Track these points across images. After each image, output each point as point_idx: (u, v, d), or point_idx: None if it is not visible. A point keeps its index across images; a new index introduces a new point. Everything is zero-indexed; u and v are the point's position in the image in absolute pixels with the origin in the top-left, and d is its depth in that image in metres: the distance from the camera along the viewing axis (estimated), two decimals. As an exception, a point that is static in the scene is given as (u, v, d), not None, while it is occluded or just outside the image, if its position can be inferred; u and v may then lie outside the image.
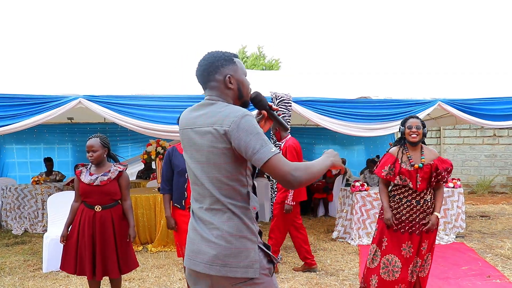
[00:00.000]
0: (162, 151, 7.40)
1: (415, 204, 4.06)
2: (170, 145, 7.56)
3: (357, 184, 7.39)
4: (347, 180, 9.70)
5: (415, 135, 4.07)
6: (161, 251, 6.55)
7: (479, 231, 7.98)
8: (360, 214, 7.18)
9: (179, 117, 2.38)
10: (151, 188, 7.60)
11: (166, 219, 4.30)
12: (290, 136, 5.45)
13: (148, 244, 6.82)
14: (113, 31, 40.18)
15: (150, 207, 6.75)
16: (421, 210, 4.05)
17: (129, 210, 4.13)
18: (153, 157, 7.45)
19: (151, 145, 7.49)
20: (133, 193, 6.95)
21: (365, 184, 7.38)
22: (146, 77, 7.77)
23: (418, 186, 4.03)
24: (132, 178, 10.59)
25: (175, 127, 6.05)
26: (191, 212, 2.18)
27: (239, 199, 2.05)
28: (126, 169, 4.14)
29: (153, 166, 9.36)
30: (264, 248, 2.08)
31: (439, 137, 14.31)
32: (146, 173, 10.18)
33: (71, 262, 3.99)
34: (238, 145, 1.96)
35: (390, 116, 6.73)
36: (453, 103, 7.03)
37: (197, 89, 6.50)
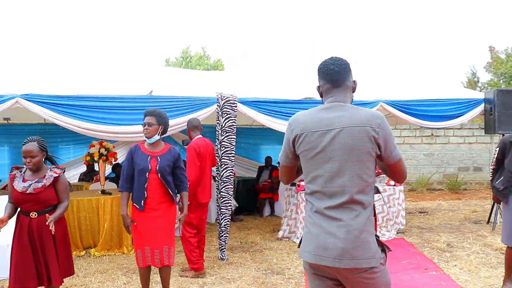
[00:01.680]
0: (105, 152, 7.22)
1: None
2: (114, 146, 7.42)
3: (302, 183, 7.50)
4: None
5: None
6: (105, 255, 6.39)
7: (418, 227, 8.31)
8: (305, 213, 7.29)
9: (292, 119, 2.39)
10: (94, 191, 7.40)
11: (122, 217, 4.23)
12: (199, 136, 5.47)
13: (91, 248, 6.63)
14: (53, 27, 38.78)
15: (93, 210, 6.56)
16: None
17: (61, 208, 3.82)
18: (96, 158, 7.25)
19: (94, 146, 7.29)
20: (75, 196, 6.76)
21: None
22: (89, 76, 7.56)
23: None
24: (74, 180, 10.28)
25: (119, 128, 5.94)
26: (312, 212, 2.26)
27: (370, 195, 2.22)
28: (63, 173, 3.94)
29: (96, 168, 9.13)
30: (378, 238, 2.25)
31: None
32: (89, 175, 9.91)
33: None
34: (384, 143, 2.18)
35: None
36: (394, 104, 7.30)
37: (141, 90, 6.42)
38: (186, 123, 5.71)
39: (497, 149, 4.85)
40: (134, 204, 4.20)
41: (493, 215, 8.03)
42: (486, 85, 25.13)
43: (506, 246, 4.76)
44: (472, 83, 26.46)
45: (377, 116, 2.19)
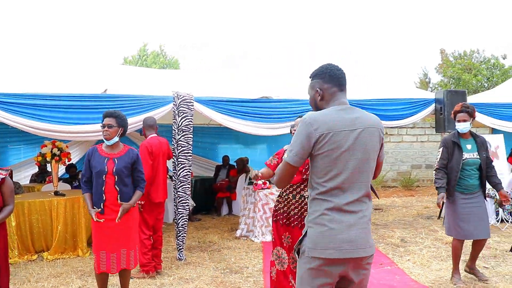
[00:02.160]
0: (58, 152, 7.00)
1: (291, 197, 4.18)
2: (67, 146, 7.21)
3: (260, 182, 7.54)
4: (250, 178, 9.85)
5: None
6: (59, 258, 6.20)
7: (373, 223, 8.50)
8: (263, 211, 7.34)
9: (311, 118, 2.37)
10: (46, 192, 7.18)
11: (90, 214, 4.14)
12: (153, 135, 5.45)
13: (44, 252, 6.42)
14: (3, 23, 37.39)
15: (46, 212, 6.36)
16: (300, 203, 4.15)
17: (5, 212, 3.69)
18: (48, 159, 7.02)
19: (46, 146, 7.06)
20: (26, 198, 6.55)
21: (267, 182, 7.55)
22: (41, 74, 7.32)
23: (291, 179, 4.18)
24: (26, 182, 9.96)
25: (73, 127, 5.79)
26: (328, 209, 2.32)
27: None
28: (8, 174, 3.79)
29: (49, 169, 8.85)
30: None
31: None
32: (41, 176, 9.63)
33: None
34: (382, 144, 2.48)
35: (292, 115, 6.94)
36: (349, 103, 7.41)
37: (95, 88, 6.29)
38: (142, 122, 5.63)
39: (440, 149, 5.01)
40: (94, 207, 4.12)
41: (443, 210, 8.30)
42: (436, 86, 25.98)
43: (453, 239, 4.99)
44: (424, 84, 27.28)
45: (380, 120, 2.52)
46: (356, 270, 2.36)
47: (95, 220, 4.07)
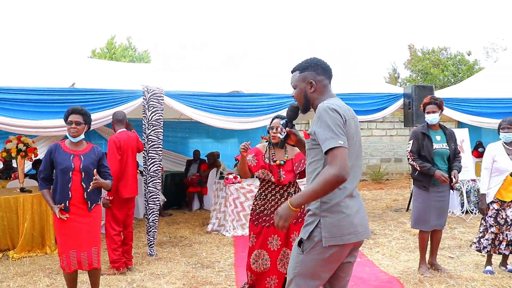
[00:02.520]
0: (24, 148, 6.83)
1: (279, 197, 4.18)
2: (33, 141, 7.04)
3: (231, 176, 7.54)
4: (221, 173, 9.84)
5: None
6: (26, 256, 6.06)
7: (343, 217, 8.59)
8: (234, 206, 7.33)
9: (335, 105, 2.41)
10: (12, 189, 6.99)
11: (52, 210, 4.00)
12: (123, 130, 5.37)
13: (10, 250, 6.25)
14: (-37, 17, 36.18)
15: (11, 209, 6.19)
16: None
17: None
18: (13, 155, 6.84)
19: (11, 141, 6.87)
20: (-10, 195, 6.36)
21: (238, 176, 7.55)
22: (5, 67, 7.12)
23: (282, 180, 4.15)
24: (-11, 178, 9.68)
25: (40, 122, 5.67)
26: (344, 197, 2.37)
27: None
28: None
29: (15, 165, 8.62)
30: None
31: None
32: (6, 173, 9.38)
33: None
34: None
35: (262, 109, 6.95)
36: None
37: (63, 82, 6.15)
38: (111, 117, 5.55)
39: (411, 141, 5.09)
40: (58, 205, 4.01)
41: (411, 203, 8.47)
42: (405, 81, 26.44)
43: (419, 230, 5.10)
44: (393, 79, 27.74)
45: None
46: (354, 252, 2.50)
47: (58, 216, 3.97)
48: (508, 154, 4.92)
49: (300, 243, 2.43)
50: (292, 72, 2.62)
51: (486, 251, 5.07)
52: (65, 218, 3.96)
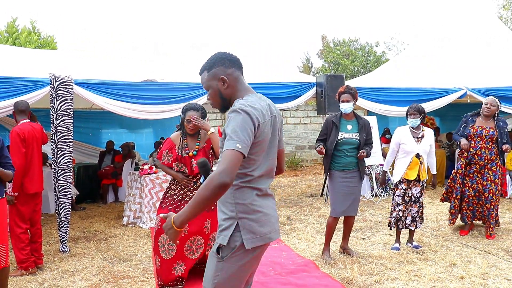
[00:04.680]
0: None
1: (192, 184, 4.42)
2: None
3: (146, 167, 7.39)
4: (136, 164, 9.60)
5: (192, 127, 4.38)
6: None
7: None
8: (150, 197, 7.19)
9: (249, 107, 2.22)
10: None
11: None
12: (26, 121, 5.00)
13: None
14: None
15: None
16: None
17: None
18: None
19: None
20: None
21: (154, 167, 7.41)
22: None
23: (194, 170, 4.35)
24: None
25: None
26: (257, 196, 2.30)
27: None
28: None
29: None
30: None
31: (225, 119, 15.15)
32: None
33: None
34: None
35: (176, 98, 6.83)
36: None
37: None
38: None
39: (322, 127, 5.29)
40: None
41: (325, 188, 8.80)
42: (318, 71, 27.26)
43: (329, 216, 5.27)
44: (307, 68, 28.48)
45: None
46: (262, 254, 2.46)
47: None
48: (414, 137, 5.32)
49: (218, 249, 2.29)
50: (200, 74, 2.43)
51: (394, 227, 5.52)
52: None
